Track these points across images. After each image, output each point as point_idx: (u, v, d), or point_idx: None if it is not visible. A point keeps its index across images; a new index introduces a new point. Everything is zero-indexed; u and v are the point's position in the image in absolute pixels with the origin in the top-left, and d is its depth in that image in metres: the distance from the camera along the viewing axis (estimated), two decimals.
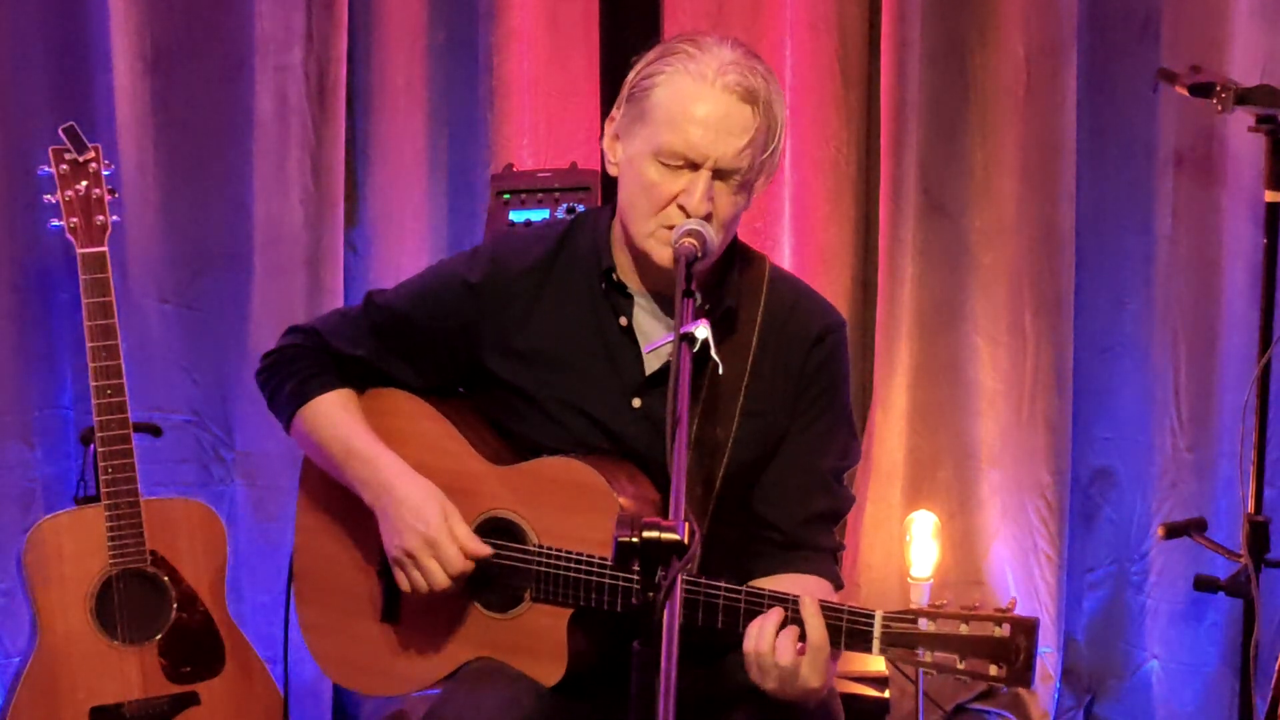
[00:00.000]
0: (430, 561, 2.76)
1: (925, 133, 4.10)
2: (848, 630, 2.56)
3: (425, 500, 2.79)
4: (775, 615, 2.57)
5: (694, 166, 2.65)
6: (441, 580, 2.76)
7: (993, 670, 2.50)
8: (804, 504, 2.81)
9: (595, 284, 2.81)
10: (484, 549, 2.77)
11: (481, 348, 2.85)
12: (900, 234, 4.13)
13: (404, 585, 2.81)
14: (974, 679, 2.51)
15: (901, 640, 2.54)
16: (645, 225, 2.69)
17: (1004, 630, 2.49)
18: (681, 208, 2.66)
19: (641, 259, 2.74)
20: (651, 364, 2.79)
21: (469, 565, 2.77)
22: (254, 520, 4.10)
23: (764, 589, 2.63)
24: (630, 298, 2.80)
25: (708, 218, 2.66)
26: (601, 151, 2.81)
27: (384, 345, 2.91)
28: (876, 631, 2.55)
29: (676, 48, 2.69)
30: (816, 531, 2.82)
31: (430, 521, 2.77)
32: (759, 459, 2.81)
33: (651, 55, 2.72)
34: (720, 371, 2.71)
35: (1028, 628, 2.49)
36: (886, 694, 3.80)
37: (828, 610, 2.57)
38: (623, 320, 2.80)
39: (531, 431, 2.83)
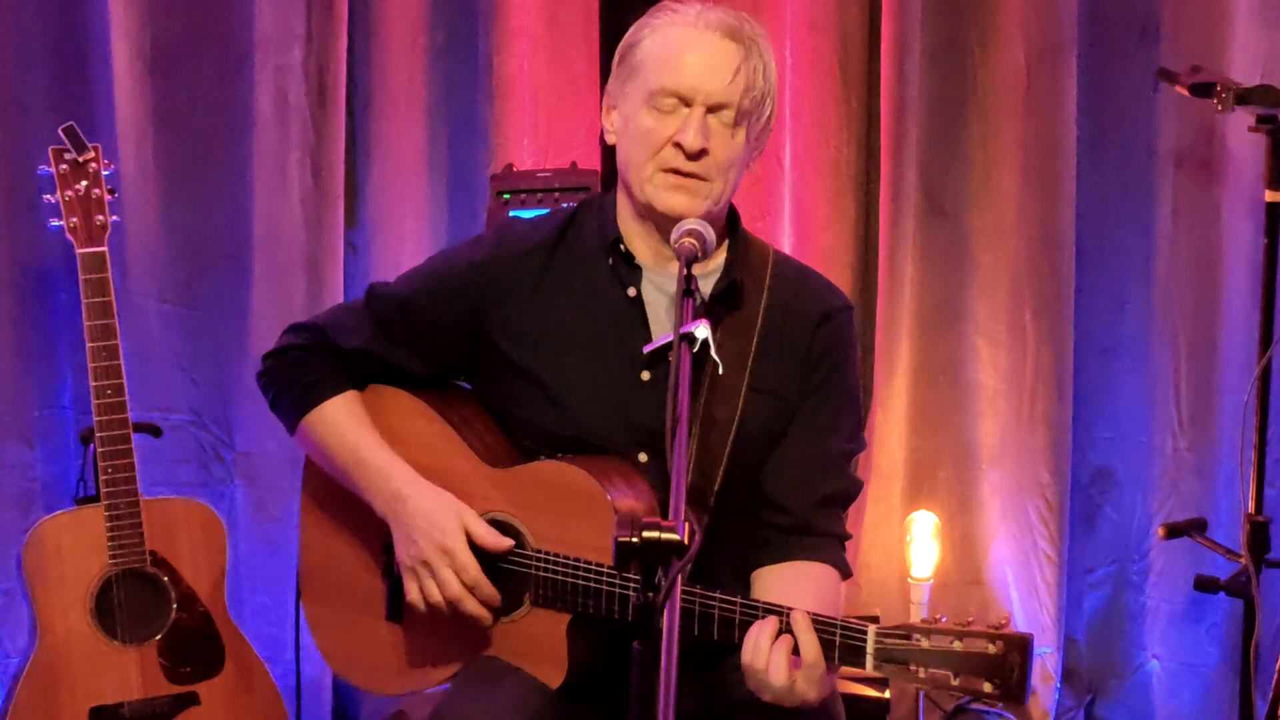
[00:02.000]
0: (446, 570, 2.76)
1: (925, 133, 4.10)
2: (841, 645, 2.54)
3: (440, 509, 2.78)
4: (770, 626, 2.55)
5: (686, 104, 2.69)
6: (455, 588, 2.76)
7: (986, 688, 2.47)
8: (814, 485, 2.80)
9: (602, 259, 2.81)
10: (505, 542, 2.76)
11: (489, 329, 2.84)
12: (900, 234, 4.13)
13: (414, 595, 2.81)
14: (967, 695, 2.50)
15: (895, 656, 2.51)
16: (644, 171, 2.72)
17: (997, 648, 2.47)
18: (678, 145, 2.69)
19: (646, 211, 2.75)
20: (661, 335, 2.79)
21: (482, 577, 2.76)
22: (254, 520, 4.10)
23: (759, 601, 2.61)
24: (639, 269, 2.80)
25: (704, 155, 2.68)
26: (601, 132, 2.84)
27: (387, 334, 2.90)
28: (870, 647, 2.52)
29: (662, 8, 2.77)
30: (825, 515, 2.81)
31: (446, 530, 2.76)
32: (765, 438, 2.80)
33: (639, 22, 2.78)
34: (720, 371, 2.71)
35: (1021, 645, 2.46)
36: (886, 694, 3.80)
37: (821, 625, 2.54)
38: (631, 291, 2.80)
39: (536, 416, 2.82)
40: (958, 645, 2.48)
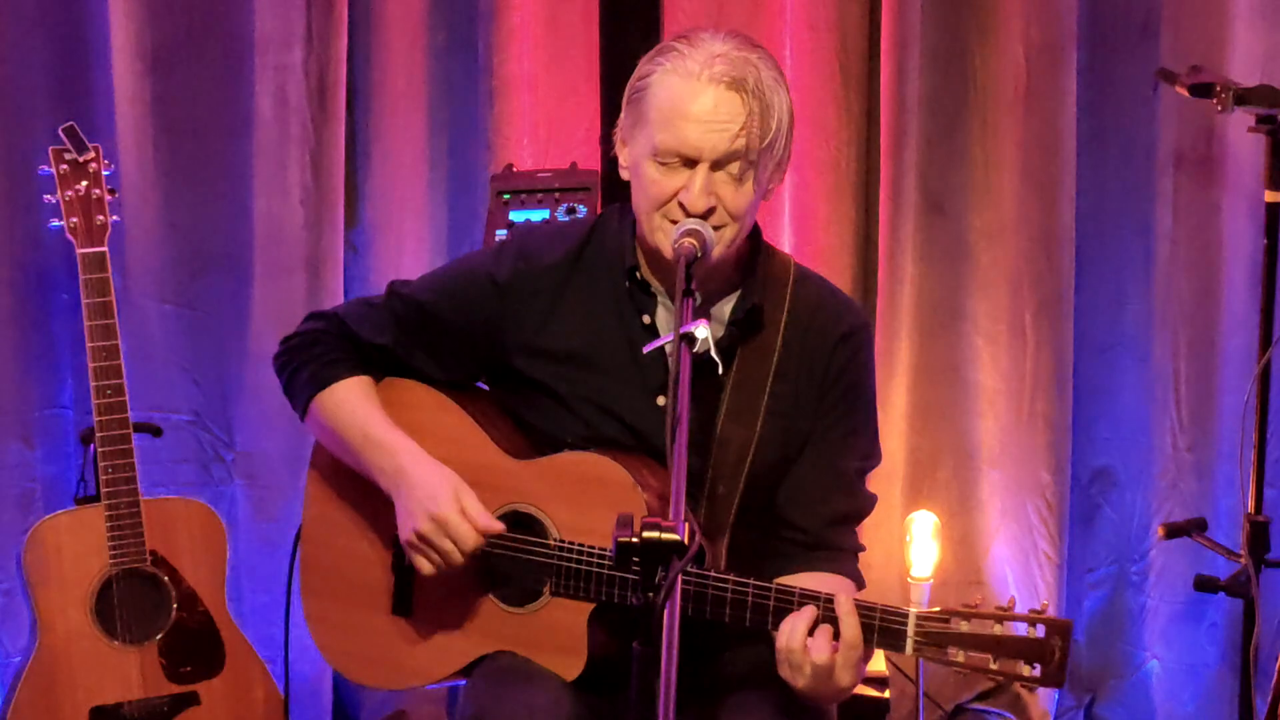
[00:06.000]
0: (444, 540, 2.76)
1: (925, 133, 4.10)
2: (880, 628, 2.57)
3: (438, 482, 2.78)
4: (808, 613, 2.58)
5: (691, 163, 2.66)
6: (456, 558, 2.76)
7: (1026, 670, 2.52)
8: (827, 505, 2.82)
9: (620, 282, 2.81)
10: (496, 525, 2.76)
11: (506, 345, 2.85)
12: (900, 234, 4.13)
13: (424, 568, 2.80)
14: (1008, 679, 2.54)
15: (935, 639, 2.55)
16: (651, 220, 2.71)
17: (1038, 631, 2.52)
18: (681, 205, 2.67)
19: (652, 254, 2.75)
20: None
21: (481, 541, 2.76)
22: (254, 520, 4.10)
23: (796, 587, 2.63)
24: (653, 296, 2.81)
25: (711, 213, 2.66)
26: (615, 157, 2.81)
27: (406, 336, 2.91)
28: (910, 630, 2.56)
29: (670, 47, 2.70)
30: (839, 532, 2.84)
31: (441, 500, 2.76)
32: (782, 459, 2.81)
33: (648, 57, 2.73)
34: (719, 372, 2.71)
35: (1063, 629, 2.51)
36: (886, 694, 3.80)
37: (861, 608, 2.58)
38: (646, 318, 2.80)
39: (554, 427, 2.83)
40: (998, 629, 2.52)
